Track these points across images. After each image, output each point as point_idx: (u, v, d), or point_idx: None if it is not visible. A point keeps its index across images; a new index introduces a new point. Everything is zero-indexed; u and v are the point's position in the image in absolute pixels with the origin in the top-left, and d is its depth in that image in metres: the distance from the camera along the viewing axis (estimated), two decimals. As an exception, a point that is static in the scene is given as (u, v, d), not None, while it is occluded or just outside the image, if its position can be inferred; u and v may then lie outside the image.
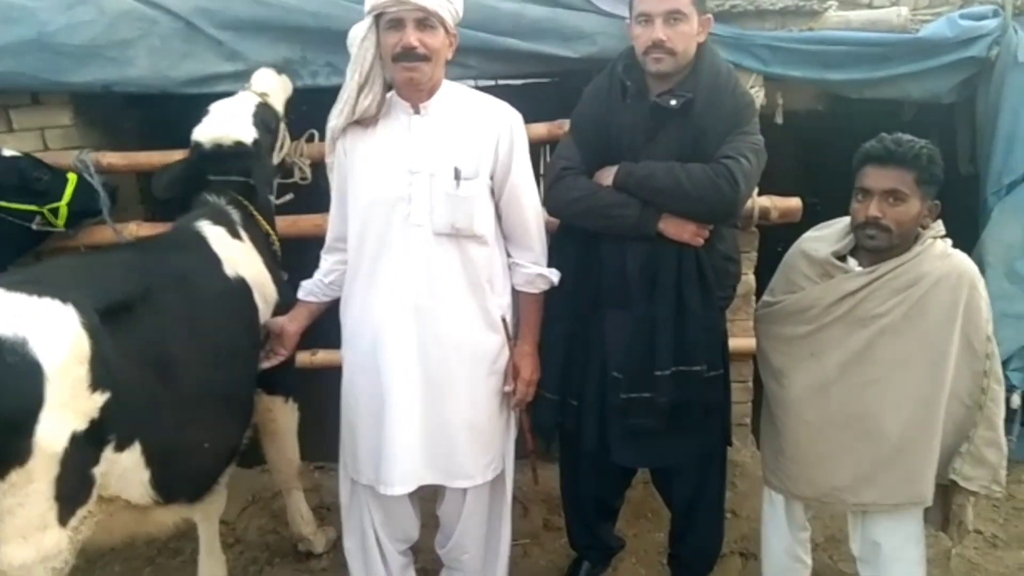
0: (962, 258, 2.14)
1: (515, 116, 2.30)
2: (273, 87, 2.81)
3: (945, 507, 2.26)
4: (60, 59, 2.99)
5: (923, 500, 2.19)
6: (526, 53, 3.09)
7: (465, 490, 2.40)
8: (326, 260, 2.48)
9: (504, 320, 2.34)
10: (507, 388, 2.39)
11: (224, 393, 2.30)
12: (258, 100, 2.71)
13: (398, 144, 2.22)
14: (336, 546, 3.10)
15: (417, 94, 2.21)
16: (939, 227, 2.15)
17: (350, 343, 2.40)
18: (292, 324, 2.50)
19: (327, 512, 3.31)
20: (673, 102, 2.21)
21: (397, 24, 2.09)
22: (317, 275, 2.49)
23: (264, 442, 2.81)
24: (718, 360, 2.38)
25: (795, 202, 3.19)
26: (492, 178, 2.26)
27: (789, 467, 2.32)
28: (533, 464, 2.64)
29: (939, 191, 2.10)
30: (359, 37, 2.18)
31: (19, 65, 3.00)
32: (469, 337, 2.29)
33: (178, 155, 2.90)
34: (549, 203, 2.42)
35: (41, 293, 1.79)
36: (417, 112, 2.23)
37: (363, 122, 2.24)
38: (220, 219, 2.52)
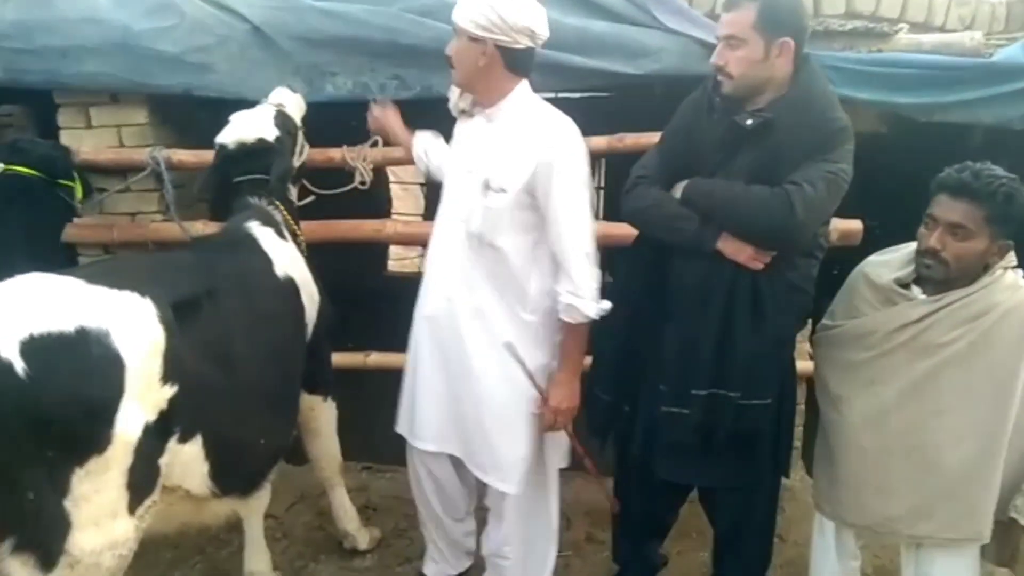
0: None
1: (565, 143, 2.28)
2: (288, 100, 2.91)
3: (1005, 544, 2.20)
4: (143, 62, 3.10)
5: (980, 536, 2.13)
6: (590, 70, 3.08)
7: (503, 494, 2.47)
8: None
9: (511, 346, 2.33)
10: (534, 410, 2.40)
11: (277, 391, 2.38)
12: (275, 109, 2.80)
13: (468, 142, 2.43)
14: (381, 544, 3.14)
15: (483, 99, 2.37)
16: (1011, 258, 2.08)
17: (415, 315, 2.58)
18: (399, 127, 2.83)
19: (373, 512, 3.36)
20: (749, 122, 2.18)
21: None
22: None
23: (306, 440, 2.89)
24: (763, 389, 2.28)
25: (856, 224, 3.14)
26: (534, 196, 2.26)
27: (843, 494, 2.28)
28: (585, 462, 2.56)
29: (1017, 230, 2.02)
30: None
31: (104, 66, 3.11)
32: (489, 340, 2.37)
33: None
34: (623, 209, 2.43)
35: (121, 287, 1.85)
36: (489, 120, 2.38)
37: (462, 112, 2.49)
38: (267, 220, 2.60)
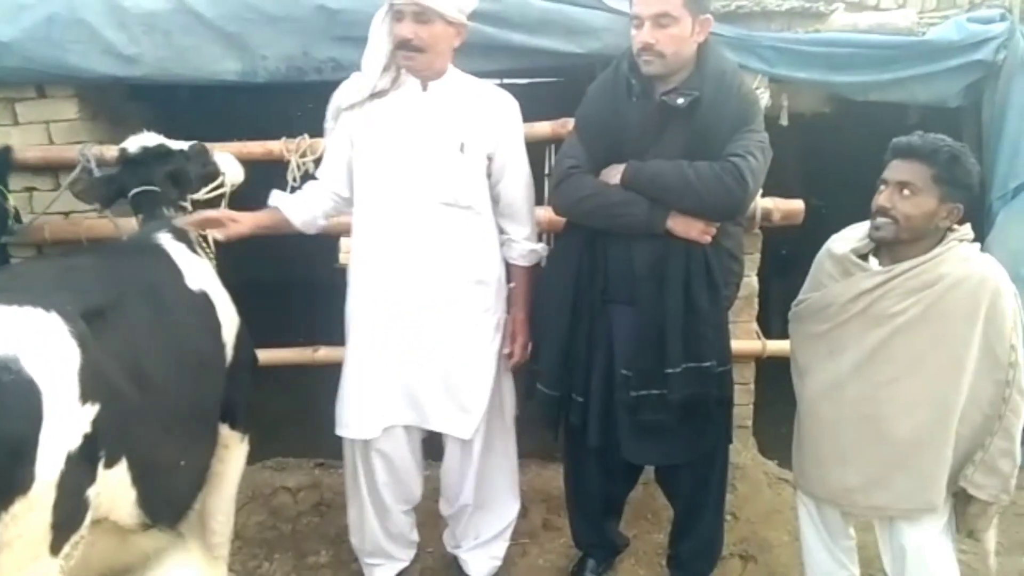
0: (987, 262, 2.08)
1: (512, 100, 2.48)
2: (227, 161, 2.73)
3: (962, 515, 2.21)
4: (65, 53, 3.01)
5: (933, 507, 2.14)
6: (531, 49, 3.07)
7: (469, 445, 2.61)
8: (315, 191, 2.57)
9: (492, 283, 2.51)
10: (506, 351, 2.59)
11: (194, 408, 2.17)
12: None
13: (406, 117, 2.39)
14: (335, 541, 3.10)
15: (429, 76, 2.39)
16: (966, 230, 2.11)
17: (355, 301, 2.54)
18: (248, 217, 2.46)
19: (327, 509, 3.31)
20: (680, 100, 2.21)
21: (399, 16, 2.29)
22: (305, 195, 2.57)
23: (208, 486, 2.42)
24: (725, 356, 2.40)
25: (797, 204, 3.19)
26: (489, 158, 2.43)
27: (808, 466, 2.30)
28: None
29: (966, 196, 2.06)
30: (378, 20, 2.36)
31: (26, 59, 3.02)
32: (460, 299, 2.47)
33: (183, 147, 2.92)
34: (556, 202, 2.44)
35: (20, 301, 1.66)
36: (425, 89, 2.40)
37: (373, 96, 2.40)
38: (179, 235, 2.41)
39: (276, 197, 2.53)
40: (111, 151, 3.18)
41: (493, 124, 2.41)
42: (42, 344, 1.62)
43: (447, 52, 2.37)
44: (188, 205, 2.55)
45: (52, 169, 3.23)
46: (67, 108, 3.23)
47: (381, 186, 2.42)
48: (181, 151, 2.55)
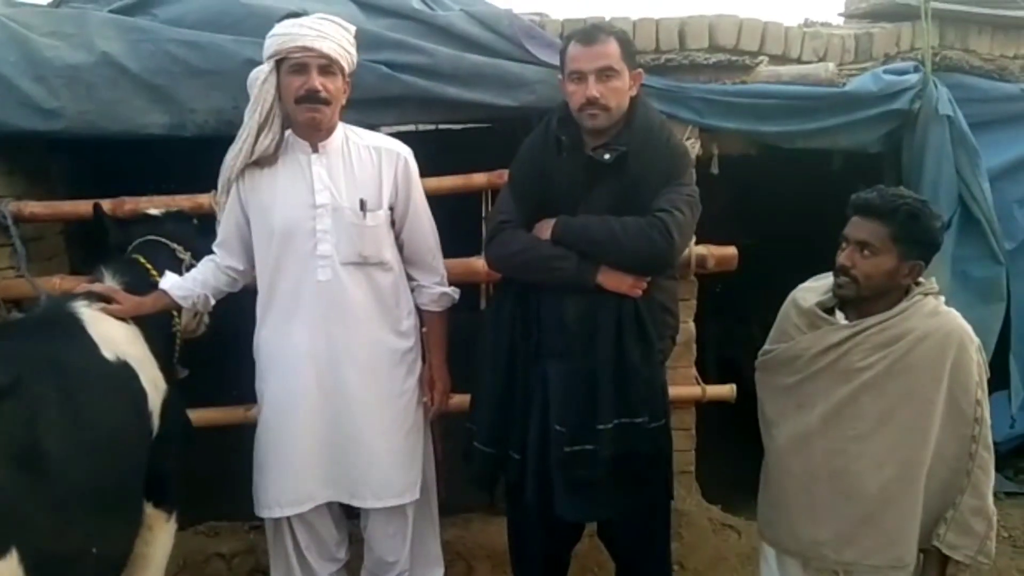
0: (953, 317, 2.08)
1: (407, 150, 2.48)
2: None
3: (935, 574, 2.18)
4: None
5: (902, 563, 2.12)
6: (466, 102, 3.08)
7: (403, 510, 2.56)
8: (208, 268, 2.50)
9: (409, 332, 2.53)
10: (425, 399, 2.59)
11: (108, 489, 2.02)
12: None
13: (300, 181, 2.35)
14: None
15: (316, 134, 2.34)
16: (932, 284, 2.12)
17: (268, 375, 2.47)
18: (132, 302, 2.34)
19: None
20: (607, 156, 2.23)
21: (301, 69, 2.23)
22: (195, 275, 2.49)
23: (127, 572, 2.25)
24: (660, 411, 2.36)
25: (731, 250, 3.23)
26: (392, 209, 2.43)
27: (777, 519, 2.27)
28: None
29: (928, 252, 2.06)
30: (260, 79, 2.28)
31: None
32: (370, 366, 2.43)
33: (106, 204, 2.82)
34: (488, 256, 2.43)
35: None
36: (316, 151, 2.35)
37: (261, 162, 2.34)
38: (99, 297, 2.32)
39: (165, 280, 2.44)
40: (30, 206, 3.06)
41: (389, 175, 2.40)
42: None
43: (340, 109, 2.35)
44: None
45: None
46: (-17, 162, 3.09)
47: (285, 256, 2.36)
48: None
